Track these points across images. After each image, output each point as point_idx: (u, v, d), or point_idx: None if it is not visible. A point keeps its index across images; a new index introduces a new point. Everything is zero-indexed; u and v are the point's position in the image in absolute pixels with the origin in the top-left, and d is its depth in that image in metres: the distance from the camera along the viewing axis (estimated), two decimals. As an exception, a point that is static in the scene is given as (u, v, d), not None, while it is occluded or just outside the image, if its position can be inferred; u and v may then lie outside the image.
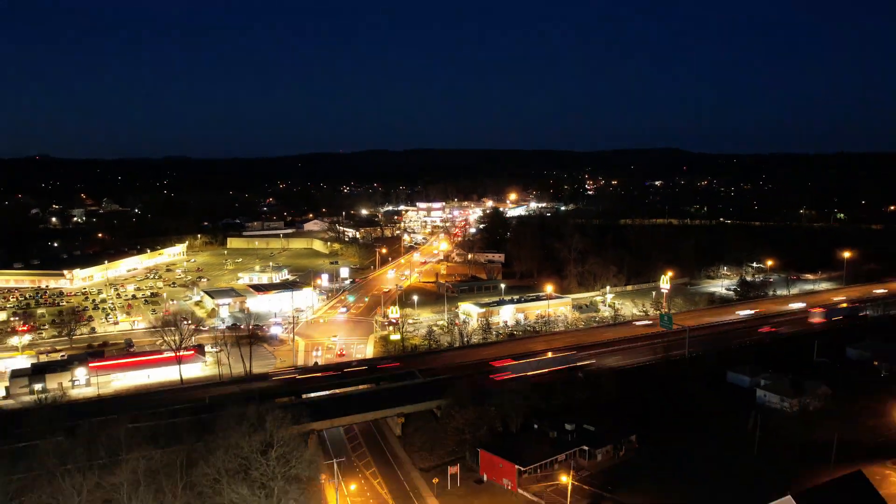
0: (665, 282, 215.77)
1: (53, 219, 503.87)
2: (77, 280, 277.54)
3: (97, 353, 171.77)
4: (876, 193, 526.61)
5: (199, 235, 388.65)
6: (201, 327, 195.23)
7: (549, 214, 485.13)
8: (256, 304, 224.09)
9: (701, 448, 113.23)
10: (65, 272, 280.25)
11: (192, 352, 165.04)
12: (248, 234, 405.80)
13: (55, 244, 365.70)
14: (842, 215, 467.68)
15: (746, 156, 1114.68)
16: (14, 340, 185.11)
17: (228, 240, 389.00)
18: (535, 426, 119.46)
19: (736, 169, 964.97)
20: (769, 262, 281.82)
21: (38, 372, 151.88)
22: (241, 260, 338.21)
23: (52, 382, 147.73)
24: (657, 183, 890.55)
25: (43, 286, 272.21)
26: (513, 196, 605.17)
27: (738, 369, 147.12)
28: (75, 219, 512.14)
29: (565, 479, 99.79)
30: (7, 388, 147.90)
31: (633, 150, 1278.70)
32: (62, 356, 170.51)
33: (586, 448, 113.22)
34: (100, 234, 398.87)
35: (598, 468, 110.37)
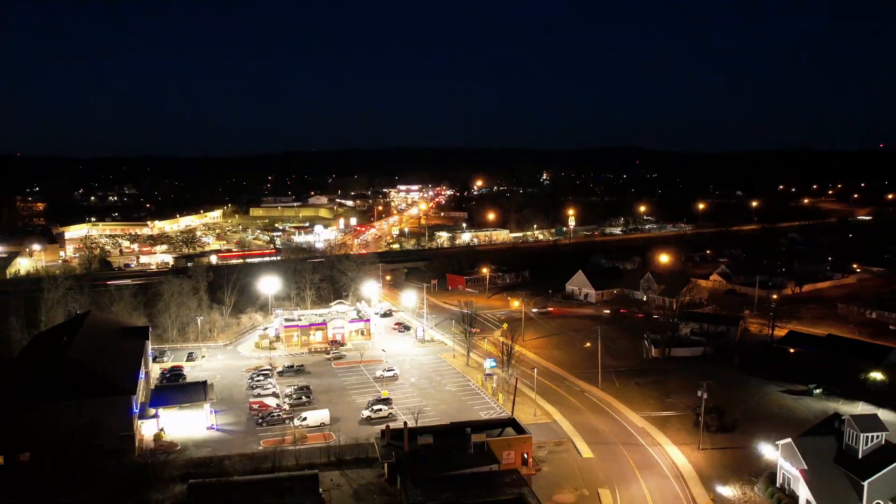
0: (570, 220, 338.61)
1: (92, 198, 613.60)
2: (156, 228, 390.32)
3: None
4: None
5: (228, 205, 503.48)
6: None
7: (507, 195, 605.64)
8: (297, 238, 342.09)
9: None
10: (147, 223, 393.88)
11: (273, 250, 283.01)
12: (266, 205, 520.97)
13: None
14: (740, 192, 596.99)
15: (708, 154, 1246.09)
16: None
17: (251, 209, 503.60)
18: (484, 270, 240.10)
19: (687, 164, 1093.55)
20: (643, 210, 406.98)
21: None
22: (266, 220, 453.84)
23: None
24: (610, 175, 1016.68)
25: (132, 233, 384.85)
26: (479, 183, 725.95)
27: (593, 257, 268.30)
28: (110, 198, 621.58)
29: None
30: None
31: (598, 148, 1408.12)
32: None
33: (501, 273, 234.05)
34: (147, 205, 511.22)
35: (506, 284, 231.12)
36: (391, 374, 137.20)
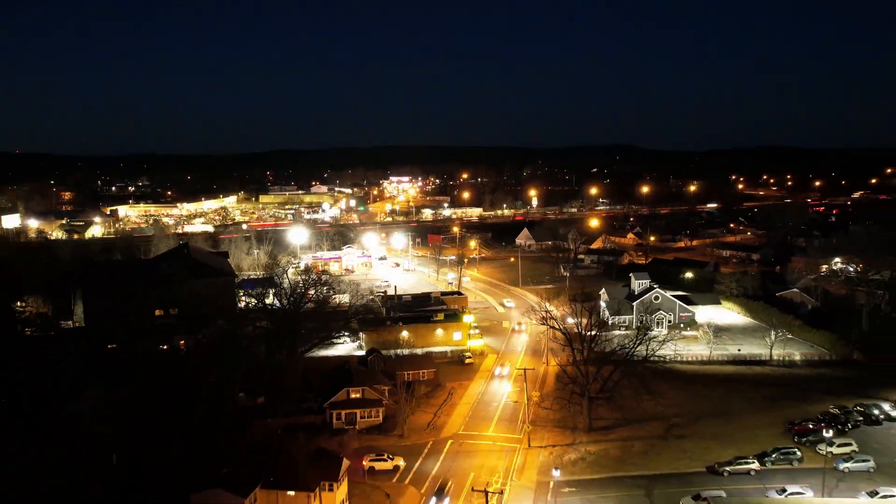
0: (534, 200, 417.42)
1: (113, 188, 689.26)
2: (184, 210, 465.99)
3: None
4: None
5: (241, 192, 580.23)
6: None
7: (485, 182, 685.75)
8: (307, 215, 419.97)
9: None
10: (176, 205, 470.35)
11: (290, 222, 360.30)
12: (274, 193, 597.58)
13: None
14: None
15: (696, 153, 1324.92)
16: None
17: (261, 196, 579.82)
18: (455, 229, 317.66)
19: (670, 160, 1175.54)
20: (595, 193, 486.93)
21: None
22: (276, 204, 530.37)
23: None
24: (594, 170, 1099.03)
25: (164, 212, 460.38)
26: (465, 175, 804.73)
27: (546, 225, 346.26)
28: (129, 188, 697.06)
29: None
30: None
31: (586, 146, 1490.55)
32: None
33: (469, 232, 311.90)
34: (168, 192, 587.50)
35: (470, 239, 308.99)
36: (386, 283, 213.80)
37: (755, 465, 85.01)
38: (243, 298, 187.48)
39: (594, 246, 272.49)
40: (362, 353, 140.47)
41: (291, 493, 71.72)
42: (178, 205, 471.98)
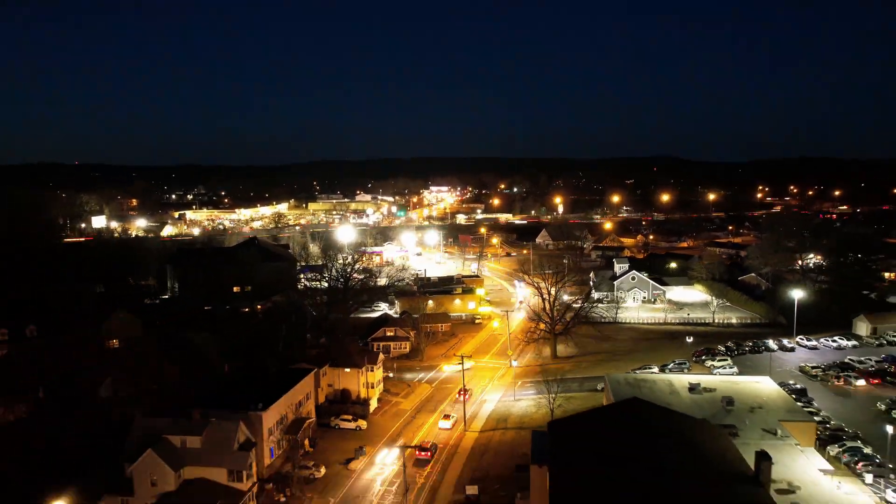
0: (559, 207, 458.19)
1: (173, 196, 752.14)
2: (241, 214, 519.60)
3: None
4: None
5: (291, 200, 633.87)
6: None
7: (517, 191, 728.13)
8: (352, 220, 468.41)
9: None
10: (235, 210, 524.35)
11: (338, 224, 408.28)
12: (321, 200, 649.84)
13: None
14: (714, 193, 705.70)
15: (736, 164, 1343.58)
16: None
17: (310, 204, 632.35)
18: (482, 230, 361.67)
19: (708, 171, 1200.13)
20: (617, 201, 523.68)
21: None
22: (324, 211, 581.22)
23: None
24: (630, 181, 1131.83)
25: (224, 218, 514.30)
26: (502, 185, 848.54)
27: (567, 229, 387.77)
28: (189, 196, 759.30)
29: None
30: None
31: (627, 157, 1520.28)
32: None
33: (496, 232, 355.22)
34: (226, 200, 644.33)
35: (500, 240, 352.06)
36: (419, 270, 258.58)
37: (655, 370, 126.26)
38: (302, 279, 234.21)
39: (604, 244, 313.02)
40: (397, 314, 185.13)
41: (347, 369, 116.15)
42: (237, 210, 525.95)
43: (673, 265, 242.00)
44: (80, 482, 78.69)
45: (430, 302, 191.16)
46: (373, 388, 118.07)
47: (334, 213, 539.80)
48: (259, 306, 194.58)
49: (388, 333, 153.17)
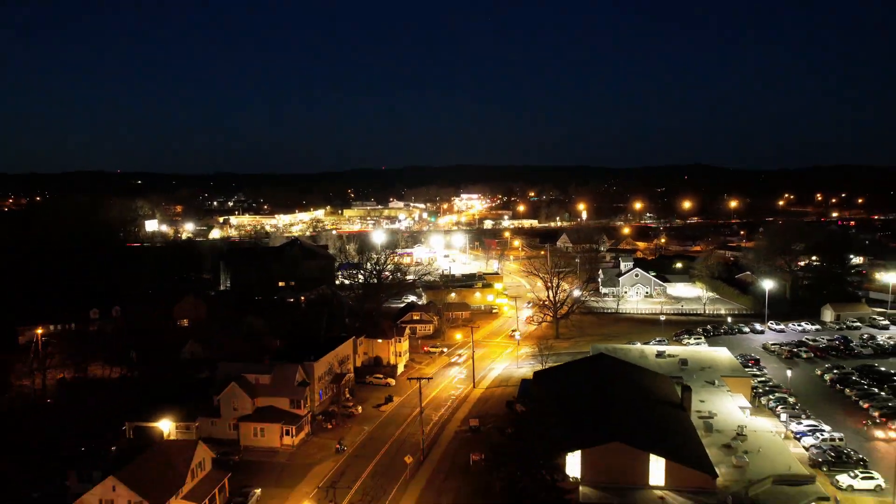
0: (583, 213, 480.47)
1: (214, 203, 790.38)
2: (280, 220, 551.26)
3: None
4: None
5: (328, 206, 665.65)
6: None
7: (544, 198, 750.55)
8: (385, 225, 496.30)
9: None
10: (275, 216, 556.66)
11: (371, 229, 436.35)
12: (356, 207, 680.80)
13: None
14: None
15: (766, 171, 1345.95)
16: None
17: (345, 210, 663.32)
18: (506, 234, 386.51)
19: (743, 179, 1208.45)
20: (639, 207, 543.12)
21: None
22: (358, 217, 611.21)
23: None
24: (661, 189, 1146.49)
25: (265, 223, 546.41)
26: (532, 193, 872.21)
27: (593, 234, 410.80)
28: (229, 203, 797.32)
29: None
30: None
31: (661, 165, 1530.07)
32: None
33: (520, 236, 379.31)
34: (266, 206, 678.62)
35: (522, 244, 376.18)
36: (445, 269, 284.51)
37: (639, 345, 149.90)
38: (339, 275, 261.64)
39: (620, 247, 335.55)
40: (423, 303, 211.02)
41: (379, 340, 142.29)
42: (276, 216, 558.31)
43: (678, 265, 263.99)
44: (179, 409, 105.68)
45: (453, 294, 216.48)
46: (400, 356, 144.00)
47: (368, 218, 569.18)
48: (303, 297, 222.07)
49: (415, 317, 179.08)
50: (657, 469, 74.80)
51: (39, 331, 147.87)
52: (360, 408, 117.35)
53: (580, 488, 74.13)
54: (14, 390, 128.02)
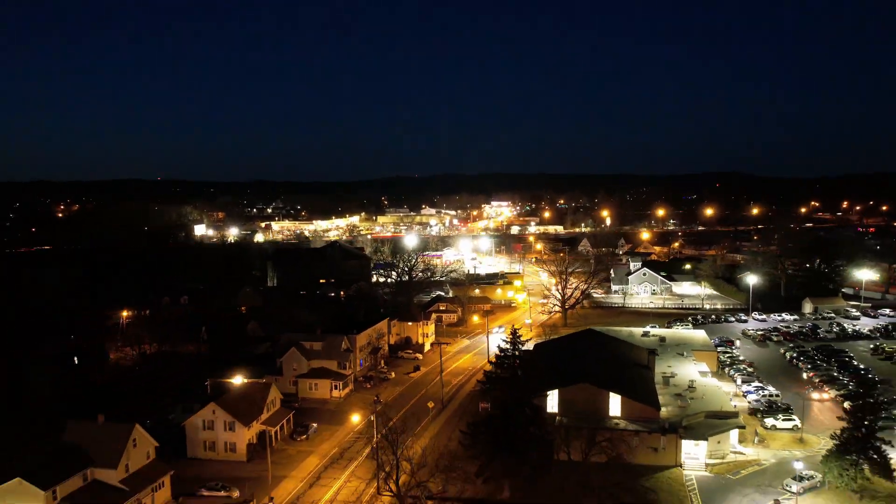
0: (607, 219, 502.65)
1: (254, 209, 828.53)
2: (319, 225, 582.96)
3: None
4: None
5: (362, 213, 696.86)
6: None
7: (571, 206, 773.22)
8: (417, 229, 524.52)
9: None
10: (313, 221, 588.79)
11: (403, 234, 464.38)
12: (390, 214, 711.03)
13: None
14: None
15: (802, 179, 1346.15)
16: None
17: (379, 217, 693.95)
18: (531, 238, 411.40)
19: (775, 188, 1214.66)
20: (661, 214, 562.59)
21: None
22: (392, 223, 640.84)
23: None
24: (693, 196, 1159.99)
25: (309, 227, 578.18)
26: (561, 200, 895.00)
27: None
28: (268, 210, 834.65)
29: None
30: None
31: (694, 173, 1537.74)
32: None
33: (543, 240, 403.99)
34: (303, 213, 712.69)
35: (545, 248, 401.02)
36: (471, 268, 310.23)
37: (629, 329, 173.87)
38: (374, 273, 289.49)
39: (637, 250, 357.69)
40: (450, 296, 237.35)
41: (409, 322, 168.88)
42: (313, 221, 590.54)
43: (686, 266, 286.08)
44: (249, 370, 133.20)
45: (477, 290, 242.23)
46: (427, 336, 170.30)
47: (401, 224, 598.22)
48: (342, 292, 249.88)
49: (441, 307, 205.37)
50: (615, 404, 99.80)
51: (125, 313, 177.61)
52: (392, 374, 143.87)
53: (556, 418, 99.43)
54: (111, 362, 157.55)
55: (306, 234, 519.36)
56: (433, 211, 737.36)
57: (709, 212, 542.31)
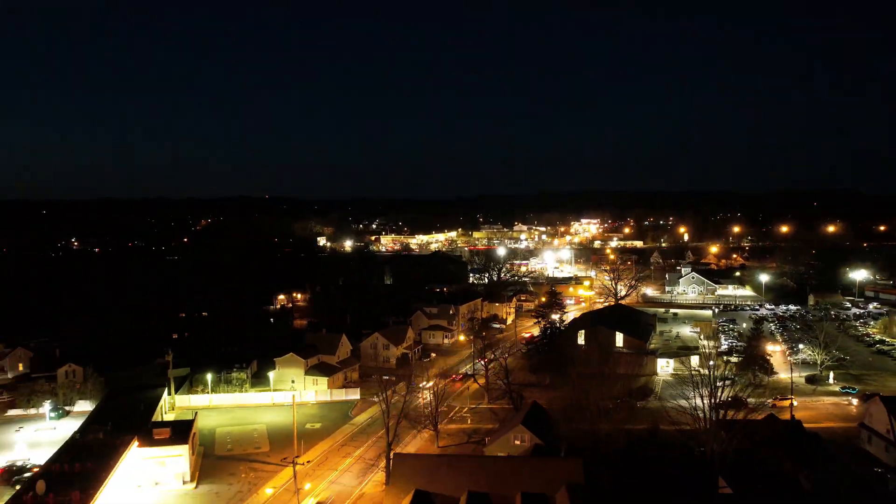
0: (685, 236, 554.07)
1: (360, 225, 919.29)
2: (421, 240, 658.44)
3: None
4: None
5: (459, 229, 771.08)
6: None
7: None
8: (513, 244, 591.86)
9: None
10: (415, 236, 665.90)
11: (496, 246, 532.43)
12: (484, 229, 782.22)
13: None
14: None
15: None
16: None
17: (474, 233, 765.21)
18: (607, 250, 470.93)
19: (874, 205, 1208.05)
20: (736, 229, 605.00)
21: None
22: (486, 239, 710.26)
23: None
24: (788, 215, 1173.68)
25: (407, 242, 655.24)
26: (651, 218, 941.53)
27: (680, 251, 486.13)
28: (373, 225, 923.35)
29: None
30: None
31: (796, 190, 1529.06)
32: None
33: (620, 254, 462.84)
34: (405, 228, 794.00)
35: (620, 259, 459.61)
36: (551, 273, 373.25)
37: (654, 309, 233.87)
38: (471, 276, 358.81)
39: (703, 261, 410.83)
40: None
41: (497, 303, 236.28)
42: (416, 235, 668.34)
43: (737, 273, 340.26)
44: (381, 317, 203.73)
45: (553, 288, 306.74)
46: (509, 314, 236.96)
47: (494, 238, 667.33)
48: (445, 289, 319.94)
49: (521, 297, 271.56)
50: (619, 339, 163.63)
51: (298, 295, 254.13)
52: (484, 334, 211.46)
53: (582, 347, 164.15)
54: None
55: (412, 245, 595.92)
56: (525, 227, 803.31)
57: (784, 229, 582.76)
